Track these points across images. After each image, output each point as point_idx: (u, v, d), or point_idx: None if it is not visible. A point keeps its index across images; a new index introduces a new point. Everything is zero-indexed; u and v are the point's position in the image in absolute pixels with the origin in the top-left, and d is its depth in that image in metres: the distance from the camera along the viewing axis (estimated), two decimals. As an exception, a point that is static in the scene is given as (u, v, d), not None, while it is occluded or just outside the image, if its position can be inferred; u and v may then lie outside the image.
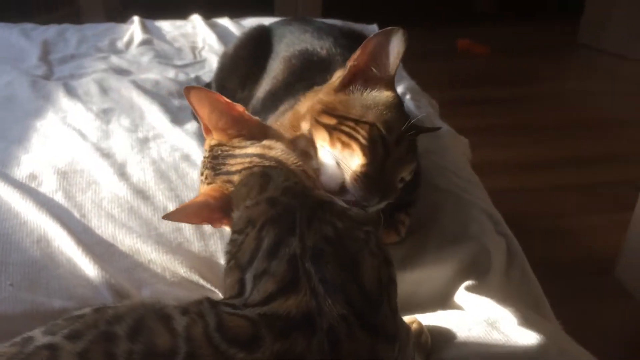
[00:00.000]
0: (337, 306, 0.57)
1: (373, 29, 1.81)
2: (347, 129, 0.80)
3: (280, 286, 0.58)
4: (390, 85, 0.83)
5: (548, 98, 2.70)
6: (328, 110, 0.82)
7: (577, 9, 3.23)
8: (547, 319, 0.91)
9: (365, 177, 0.78)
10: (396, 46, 0.80)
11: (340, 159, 0.79)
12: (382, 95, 0.82)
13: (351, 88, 0.83)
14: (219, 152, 0.78)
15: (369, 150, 0.78)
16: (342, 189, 0.79)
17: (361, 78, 0.82)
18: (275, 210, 0.65)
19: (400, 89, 1.39)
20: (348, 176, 0.78)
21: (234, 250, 0.67)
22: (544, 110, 2.59)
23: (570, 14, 3.35)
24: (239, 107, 0.81)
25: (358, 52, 0.81)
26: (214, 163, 0.78)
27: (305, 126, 0.84)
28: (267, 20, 1.72)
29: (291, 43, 1.10)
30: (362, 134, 0.79)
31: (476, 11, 3.59)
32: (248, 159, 0.75)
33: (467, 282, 0.87)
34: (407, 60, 1.80)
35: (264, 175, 0.72)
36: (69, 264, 0.85)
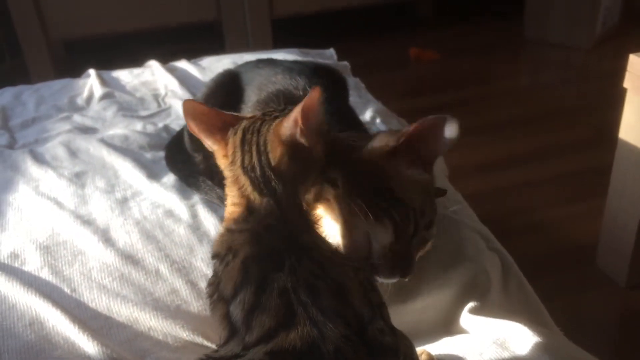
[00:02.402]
0: (338, 328, 0.60)
1: (330, 53, 1.82)
2: (384, 204, 0.80)
3: (279, 321, 0.60)
4: (429, 169, 0.84)
5: (504, 96, 2.76)
6: None
7: (518, 5, 3.32)
8: (549, 328, 0.92)
9: (393, 255, 0.80)
10: (448, 135, 0.81)
11: (371, 230, 0.80)
12: (421, 177, 0.83)
13: (394, 162, 0.82)
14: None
15: (402, 231, 0.80)
16: (366, 257, 0.81)
17: (406, 155, 0.82)
18: (259, 248, 0.66)
19: (369, 113, 1.40)
20: (377, 250, 0.81)
21: (216, 282, 0.69)
22: (502, 108, 2.64)
23: (512, 11, 3.44)
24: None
25: (411, 129, 0.81)
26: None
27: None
28: (223, 59, 1.73)
29: (263, 86, 1.09)
30: (398, 213, 0.80)
31: (418, 16, 3.65)
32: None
33: (470, 304, 0.88)
34: (364, 73, 1.85)
35: (250, 205, 0.71)
36: (66, 343, 0.83)
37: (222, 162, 0.76)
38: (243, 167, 0.72)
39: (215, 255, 0.71)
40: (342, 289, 0.64)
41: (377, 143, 0.85)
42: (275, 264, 0.64)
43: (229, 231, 0.70)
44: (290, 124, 0.71)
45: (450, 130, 0.81)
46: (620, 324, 1.61)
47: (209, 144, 0.77)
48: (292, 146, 0.71)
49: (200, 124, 0.76)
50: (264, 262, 0.65)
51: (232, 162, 0.74)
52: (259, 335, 0.60)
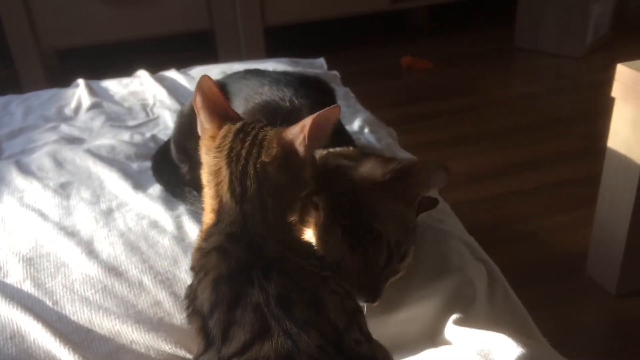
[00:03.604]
0: (313, 339, 0.59)
1: (320, 62, 1.82)
2: (360, 235, 0.82)
3: (253, 335, 0.60)
4: (412, 204, 0.87)
5: (495, 105, 2.77)
6: None
7: (509, 14, 3.34)
8: (535, 339, 0.92)
9: (361, 280, 0.81)
10: (437, 181, 0.85)
11: (344, 255, 0.82)
12: (402, 211, 0.85)
13: (378, 194, 0.84)
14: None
15: (373, 261, 0.82)
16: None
17: (391, 189, 0.83)
18: (228, 264, 0.66)
19: (357, 123, 1.40)
20: (347, 273, 0.81)
21: (192, 295, 0.68)
22: (492, 117, 2.65)
23: (503, 20, 3.46)
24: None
25: (399, 166, 0.82)
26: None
27: None
28: (213, 68, 1.73)
29: (250, 97, 1.09)
30: (372, 245, 0.82)
31: (411, 25, 3.67)
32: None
33: (455, 316, 0.87)
34: (356, 82, 1.85)
35: (220, 208, 0.71)
36: (47, 357, 0.82)
37: (206, 144, 0.75)
38: (229, 155, 0.72)
39: (192, 269, 0.71)
40: (316, 299, 0.64)
41: (365, 170, 0.85)
42: (245, 280, 0.64)
43: (199, 250, 0.70)
44: (296, 129, 0.70)
45: (439, 179, 0.83)
46: (611, 333, 1.61)
47: (204, 120, 0.77)
48: (287, 152, 0.71)
49: (205, 101, 0.76)
50: (233, 280, 0.64)
51: (219, 148, 0.73)
52: (235, 348, 0.60)
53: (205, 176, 0.74)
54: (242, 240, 0.67)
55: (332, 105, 0.70)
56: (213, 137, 0.75)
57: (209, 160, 0.74)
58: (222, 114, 0.77)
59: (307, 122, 0.69)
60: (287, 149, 0.71)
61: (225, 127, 0.75)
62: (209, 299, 0.64)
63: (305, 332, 0.60)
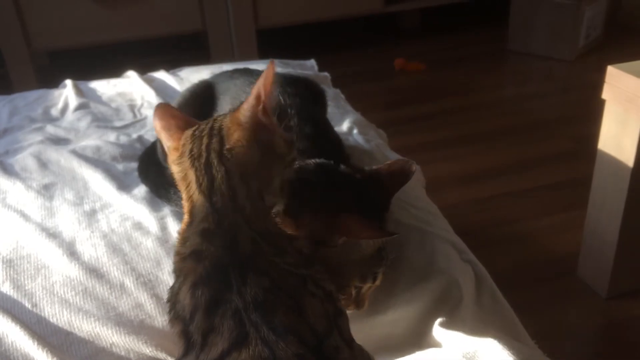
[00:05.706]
0: (291, 347, 0.57)
1: (311, 64, 1.81)
2: None
3: (231, 342, 0.59)
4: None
5: (487, 107, 2.76)
6: None
7: (502, 17, 3.34)
8: (523, 341, 0.91)
9: None
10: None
11: None
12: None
13: None
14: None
15: None
16: None
17: None
18: (203, 267, 0.64)
19: (346, 124, 1.39)
20: None
21: (173, 300, 0.67)
22: (485, 120, 2.64)
23: (496, 23, 3.46)
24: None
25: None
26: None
27: None
28: (203, 70, 1.71)
29: (237, 96, 1.08)
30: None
31: (404, 27, 3.66)
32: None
33: (441, 318, 0.86)
34: (350, 84, 1.83)
35: (192, 208, 0.69)
36: (25, 360, 0.80)
37: (172, 156, 0.74)
38: (191, 156, 0.70)
39: (173, 272, 0.69)
40: (295, 303, 0.62)
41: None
42: (222, 284, 0.62)
43: (177, 254, 0.68)
44: (250, 103, 0.69)
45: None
46: (601, 335, 1.60)
47: (166, 141, 0.76)
48: (252, 129, 0.69)
49: (164, 125, 0.76)
50: (210, 283, 0.62)
51: (181, 154, 0.71)
52: (213, 356, 0.58)
53: (178, 185, 0.73)
54: (216, 236, 0.65)
55: (266, 68, 0.69)
56: (176, 149, 0.73)
57: (177, 170, 0.72)
58: (182, 127, 0.75)
59: (261, 91, 0.68)
60: (250, 125, 0.69)
61: (184, 135, 0.73)
62: (189, 304, 0.63)
63: (284, 340, 0.58)
